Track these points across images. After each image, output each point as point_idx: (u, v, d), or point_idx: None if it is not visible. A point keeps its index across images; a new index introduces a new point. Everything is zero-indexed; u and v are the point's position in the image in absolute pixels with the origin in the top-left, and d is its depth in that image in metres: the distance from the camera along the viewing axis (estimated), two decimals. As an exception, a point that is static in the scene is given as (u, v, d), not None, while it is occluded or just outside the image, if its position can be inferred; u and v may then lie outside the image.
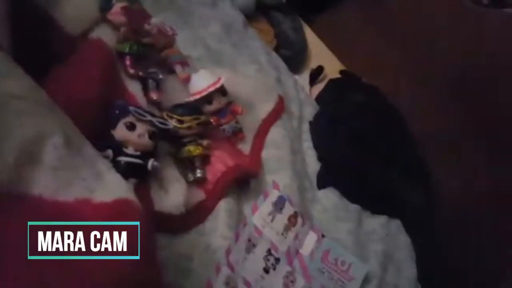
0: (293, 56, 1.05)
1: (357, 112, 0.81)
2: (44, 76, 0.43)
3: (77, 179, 0.36)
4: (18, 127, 0.33)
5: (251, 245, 0.55)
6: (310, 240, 0.61)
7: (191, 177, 0.54)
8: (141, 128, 0.45)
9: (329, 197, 0.70)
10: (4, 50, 0.35)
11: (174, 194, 0.49)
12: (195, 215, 0.52)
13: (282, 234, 0.58)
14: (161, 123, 0.47)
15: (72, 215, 0.34)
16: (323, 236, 0.62)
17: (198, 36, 0.76)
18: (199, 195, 0.54)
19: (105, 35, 0.51)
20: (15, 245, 0.30)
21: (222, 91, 0.60)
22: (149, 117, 0.45)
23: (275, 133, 0.68)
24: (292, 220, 0.59)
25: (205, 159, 0.56)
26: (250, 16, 0.98)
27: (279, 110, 0.72)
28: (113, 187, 0.38)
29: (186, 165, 0.55)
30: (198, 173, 0.55)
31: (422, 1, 0.97)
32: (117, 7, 0.51)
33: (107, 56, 0.48)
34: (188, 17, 0.77)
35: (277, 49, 1.02)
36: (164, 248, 0.46)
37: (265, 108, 0.70)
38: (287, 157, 0.65)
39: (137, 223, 0.37)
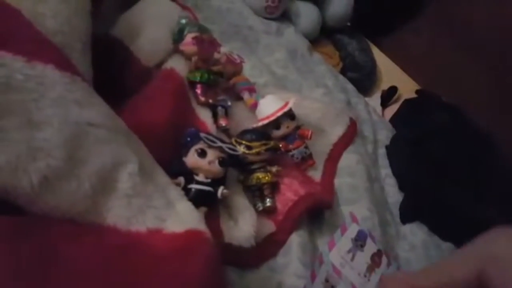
0: (362, 78, 1.01)
1: (441, 136, 0.73)
2: (119, 106, 0.44)
3: (150, 207, 0.35)
4: (95, 155, 0.33)
5: (329, 287, 0.50)
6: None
7: (260, 206, 0.52)
8: (211, 155, 0.44)
9: (416, 233, 0.62)
10: (85, 81, 0.37)
11: (244, 225, 0.47)
12: (265, 249, 0.49)
13: (365, 276, 0.52)
14: (230, 149, 0.46)
15: (144, 246, 0.34)
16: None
17: (263, 63, 0.76)
18: (269, 226, 0.51)
19: (177, 65, 0.52)
20: (89, 276, 0.30)
21: (290, 115, 0.58)
22: (219, 143, 0.44)
23: (348, 159, 0.63)
24: (376, 259, 0.53)
25: (274, 187, 0.54)
26: (315, 41, 0.97)
27: (351, 134, 0.68)
28: (185, 216, 0.37)
29: (255, 193, 0.53)
30: (268, 202, 0.52)
31: (503, 11, 0.88)
32: (188, 37, 0.52)
33: (180, 85, 0.49)
34: (254, 46, 0.78)
35: (344, 72, 0.99)
36: (234, 284, 0.44)
37: (336, 132, 0.66)
38: (363, 186, 0.60)
39: (209, 255, 0.35)
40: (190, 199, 0.41)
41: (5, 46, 0.32)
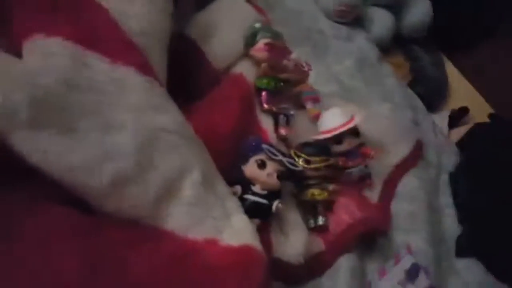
0: (431, 93, 0.94)
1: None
2: (186, 107, 0.45)
3: (208, 217, 0.35)
4: (165, 161, 0.34)
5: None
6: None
7: (312, 223, 0.50)
8: (270, 167, 0.43)
9: (471, 270, 0.58)
10: (163, 86, 0.37)
11: (294, 241, 0.46)
12: (312, 267, 0.48)
13: (412, 309, 0.50)
14: (291, 163, 0.45)
15: (199, 255, 0.34)
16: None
17: (331, 71, 0.73)
18: (318, 245, 0.50)
19: (246, 70, 0.52)
20: (145, 277, 0.30)
21: (354, 131, 0.55)
22: (280, 157, 0.44)
23: (409, 183, 0.60)
24: (426, 295, 0.50)
25: (329, 206, 0.52)
26: (384, 49, 0.92)
27: (415, 157, 0.64)
28: (241, 231, 0.37)
29: (307, 209, 0.52)
30: (320, 221, 0.51)
31: None
32: (261, 43, 0.51)
33: (247, 91, 0.49)
34: (322, 52, 0.75)
35: (412, 86, 0.93)
36: (278, 299, 0.43)
37: (399, 152, 0.63)
38: (422, 215, 0.57)
39: (262, 275, 0.35)
40: (245, 209, 0.40)
41: (92, 46, 0.33)
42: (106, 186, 0.30)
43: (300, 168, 0.47)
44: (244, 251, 0.35)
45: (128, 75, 0.33)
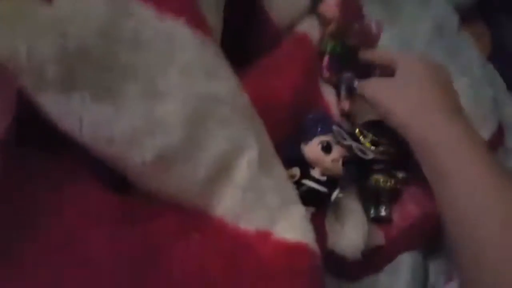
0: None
1: None
2: (243, 68, 0.38)
3: (263, 205, 0.30)
4: (216, 137, 0.28)
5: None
6: None
7: (373, 213, 0.44)
8: (337, 152, 0.37)
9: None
10: (216, 42, 0.31)
11: (351, 233, 0.40)
12: (370, 261, 0.42)
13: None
14: (361, 151, 0.38)
15: (250, 248, 0.29)
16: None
17: (404, 36, 0.63)
18: (378, 238, 0.44)
19: (311, 30, 0.44)
20: (186, 265, 0.26)
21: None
22: (349, 141, 0.37)
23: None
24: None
25: (394, 195, 0.45)
26: (466, 16, 0.80)
27: (495, 144, 0.55)
28: (297, 223, 0.31)
29: (369, 197, 0.45)
30: (383, 211, 0.44)
31: None
32: None
33: (312, 55, 0.42)
34: (395, 13, 0.65)
35: (491, 59, 0.81)
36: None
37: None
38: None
39: (316, 277, 0.30)
40: (300, 196, 0.35)
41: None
42: (148, 163, 0.26)
43: (370, 157, 0.40)
44: (298, 248, 0.30)
45: (177, 28, 0.27)
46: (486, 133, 0.55)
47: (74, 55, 0.22)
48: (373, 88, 0.42)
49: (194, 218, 0.28)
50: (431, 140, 0.36)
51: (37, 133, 0.26)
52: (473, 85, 0.62)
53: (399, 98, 0.39)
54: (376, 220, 0.44)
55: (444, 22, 0.69)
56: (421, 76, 0.40)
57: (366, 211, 0.44)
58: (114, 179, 0.27)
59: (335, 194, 0.38)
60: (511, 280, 0.29)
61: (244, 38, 0.43)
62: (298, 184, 0.37)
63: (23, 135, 0.25)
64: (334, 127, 0.36)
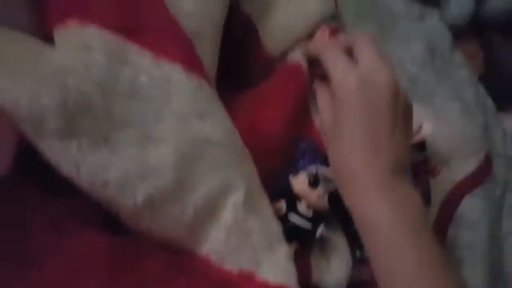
0: (503, 91, 0.83)
1: None
2: (232, 97, 0.39)
3: (247, 246, 0.31)
4: (206, 179, 0.29)
5: None
6: None
7: (358, 254, 0.44)
8: (323, 187, 0.38)
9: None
10: (211, 83, 0.32)
11: (336, 268, 0.41)
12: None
13: None
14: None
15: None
16: None
17: (396, 57, 0.64)
18: (364, 273, 0.44)
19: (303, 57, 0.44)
20: None
21: (420, 145, 0.48)
22: (328, 183, 0.38)
23: (471, 206, 0.52)
24: None
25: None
26: (459, 35, 0.81)
27: (482, 174, 0.56)
28: (281, 265, 0.32)
29: (355, 236, 0.46)
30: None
31: None
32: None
33: (304, 86, 0.42)
34: (389, 32, 0.65)
35: (483, 79, 0.82)
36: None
37: (464, 167, 0.54)
38: (482, 246, 0.50)
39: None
40: (285, 231, 0.35)
41: (132, 35, 0.27)
42: (140, 206, 0.26)
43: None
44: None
45: (173, 73, 0.27)
46: (473, 163, 0.56)
47: (73, 107, 0.23)
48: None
49: (181, 258, 0.29)
50: (357, 217, 0.34)
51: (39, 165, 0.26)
52: (463, 110, 0.63)
53: (332, 149, 0.36)
54: (361, 261, 0.45)
55: (437, 41, 0.69)
56: (355, 115, 0.32)
57: (352, 249, 0.44)
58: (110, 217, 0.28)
59: (319, 230, 0.38)
60: None
61: (235, 65, 0.43)
62: (284, 218, 0.37)
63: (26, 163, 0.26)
64: (318, 166, 0.37)
